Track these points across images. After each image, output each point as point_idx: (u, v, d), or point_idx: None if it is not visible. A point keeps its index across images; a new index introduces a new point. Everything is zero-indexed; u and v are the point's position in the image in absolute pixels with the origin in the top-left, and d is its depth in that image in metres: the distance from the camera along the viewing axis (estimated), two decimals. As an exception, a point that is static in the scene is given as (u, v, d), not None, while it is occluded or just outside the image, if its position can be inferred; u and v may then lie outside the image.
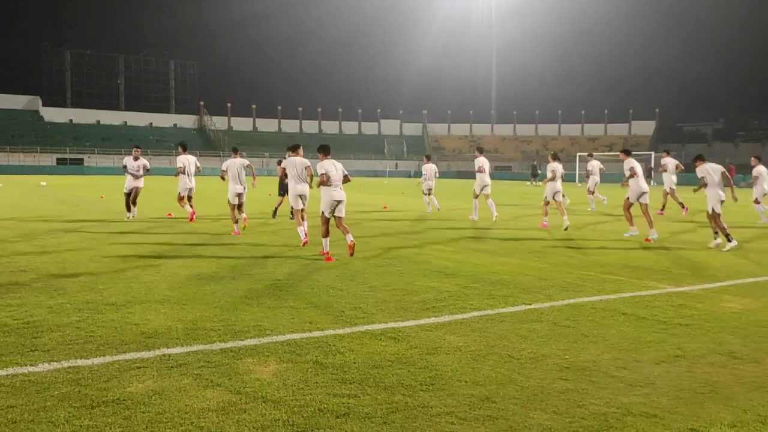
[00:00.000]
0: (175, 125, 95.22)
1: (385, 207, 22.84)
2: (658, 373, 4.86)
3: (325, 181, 10.32)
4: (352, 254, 10.38)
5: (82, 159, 77.82)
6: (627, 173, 13.65)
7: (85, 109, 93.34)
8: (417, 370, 4.82)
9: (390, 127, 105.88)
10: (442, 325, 6.15)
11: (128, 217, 16.57)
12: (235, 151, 14.71)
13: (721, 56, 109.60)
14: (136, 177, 17.01)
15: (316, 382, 4.51)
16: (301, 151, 12.15)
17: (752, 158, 18.89)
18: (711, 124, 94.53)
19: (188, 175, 16.76)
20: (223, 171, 14.11)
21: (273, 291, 7.63)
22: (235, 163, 14.05)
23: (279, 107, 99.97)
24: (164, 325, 5.96)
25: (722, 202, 12.38)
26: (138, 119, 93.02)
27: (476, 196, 17.67)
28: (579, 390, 4.46)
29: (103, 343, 5.33)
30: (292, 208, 12.77)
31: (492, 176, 17.86)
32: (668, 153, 21.84)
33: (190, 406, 4.03)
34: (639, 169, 13.71)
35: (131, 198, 16.84)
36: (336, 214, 10.52)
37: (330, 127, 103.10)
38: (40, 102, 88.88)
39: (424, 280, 8.44)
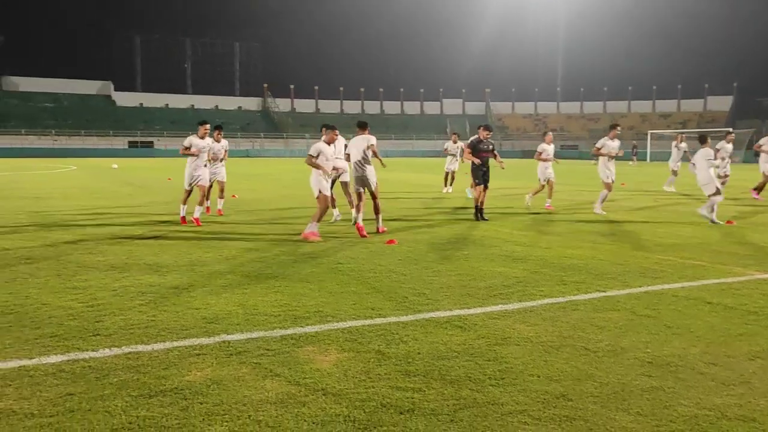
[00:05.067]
0: (240, 108, 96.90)
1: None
2: (753, 370, 4.41)
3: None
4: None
5: (152, 142, 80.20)
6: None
7: (155, 93, 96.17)
8: (485, 362, 4.53)
9: (452, 106, 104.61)
10: (510, 313, 5.83)
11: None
12: (363, 127, 10.98)
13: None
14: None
15: (379, 374, 4.29)
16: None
17: None
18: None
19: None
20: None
21: (334, 274, 7.46)
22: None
23: (341, 88, 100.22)
24: (225, 309, 5.86)
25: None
26: (204, 102, 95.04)
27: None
28: (665, 388, 4.08)
29: (164, 329, 5.26)
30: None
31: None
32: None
33: (249, 398, 3.87)
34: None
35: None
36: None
37: (392, 107, 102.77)
38: (112, 87, 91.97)
39: (491, 265, 8.09)
